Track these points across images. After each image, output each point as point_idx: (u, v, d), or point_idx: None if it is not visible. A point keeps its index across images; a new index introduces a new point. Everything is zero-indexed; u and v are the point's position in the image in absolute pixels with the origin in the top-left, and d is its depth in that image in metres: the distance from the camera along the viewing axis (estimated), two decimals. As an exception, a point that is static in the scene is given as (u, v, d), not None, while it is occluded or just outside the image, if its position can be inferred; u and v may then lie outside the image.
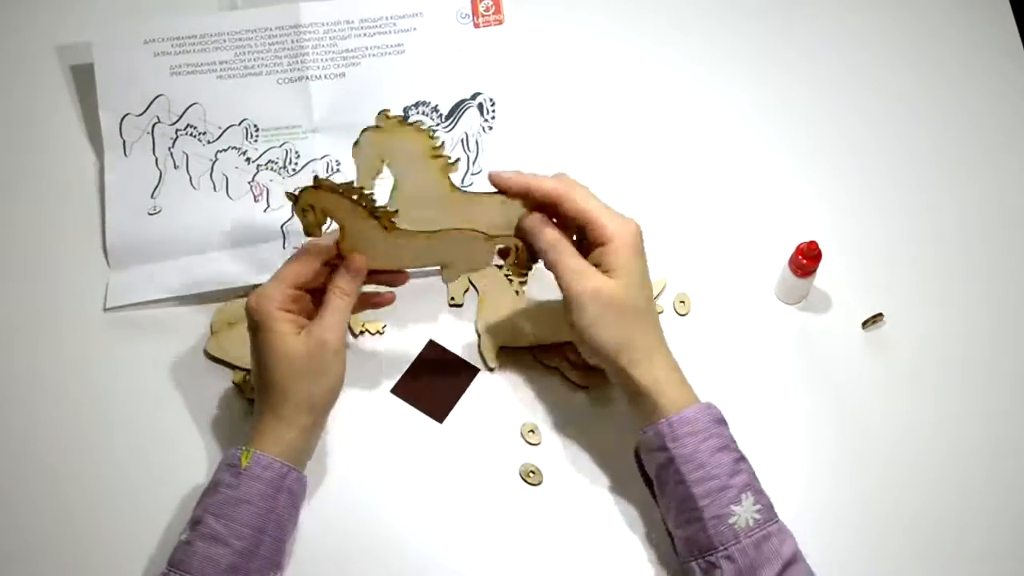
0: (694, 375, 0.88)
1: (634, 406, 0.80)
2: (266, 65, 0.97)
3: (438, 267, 0.85)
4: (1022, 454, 0.87)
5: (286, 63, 0.97)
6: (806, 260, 0.88)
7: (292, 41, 0.97)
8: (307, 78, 0.96)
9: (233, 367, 0.89)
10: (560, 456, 0.87)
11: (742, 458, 0.77)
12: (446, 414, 0.88)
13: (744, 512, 0.74)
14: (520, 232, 0.82)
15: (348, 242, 0.81)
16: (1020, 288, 0.93)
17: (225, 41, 0.96)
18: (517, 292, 0.92)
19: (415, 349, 0.91)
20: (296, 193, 0.79)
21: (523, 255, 0.83)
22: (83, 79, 0.99)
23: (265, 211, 0.94)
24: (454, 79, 0.97)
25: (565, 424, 0.88)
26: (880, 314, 0.91)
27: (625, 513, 0.85)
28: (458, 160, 0.83)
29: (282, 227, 0.94)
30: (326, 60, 0.97)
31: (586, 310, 0.78)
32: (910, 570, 0.84)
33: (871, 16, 1.03)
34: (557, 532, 0.84)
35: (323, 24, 0.97)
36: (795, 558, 0.74)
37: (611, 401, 0.88)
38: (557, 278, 0.80)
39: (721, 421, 0.78)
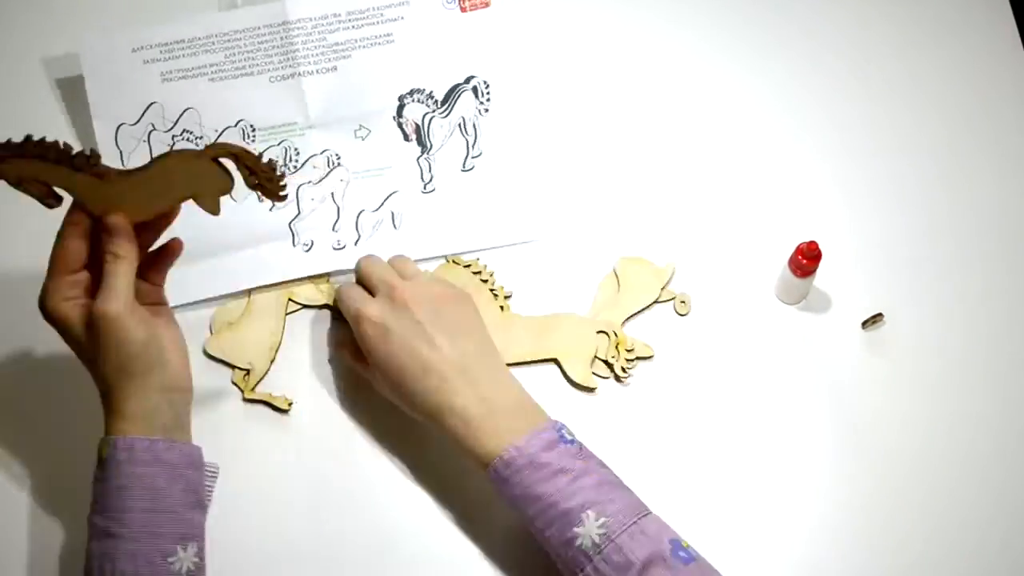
0: (694, 375, 0.90)
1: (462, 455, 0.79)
2: (257, 64, 0.96)
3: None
4: (1022, 454, 0.88)
5: (277, 61, 0.96)
6: (806, 260, 0.87)
7: (281, 38, 0.96)
8: (299, 74, 0.96)
9: (233, 367, 0.90)
10: None
11: (579, 475, 0.75)
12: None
13: (587, 531, 0.73)
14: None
15: (90, 204, 0.78)
16: (1020, 288, 0.93)
17: (214, 43, 0.96)
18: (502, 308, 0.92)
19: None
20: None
21: (252, 159, 0.79)
22: (73, 91, 0.97)
23: (271, 210, 0.94)
24: (446, 64, 0.97)
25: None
26: (880, 314, 0.91)
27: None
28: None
29: (290, 225, 0.94)
30: (317, 55, 0.97)
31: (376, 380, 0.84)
32: (910, 570, 0.84)
33: (870, 16, 1.03)
34: None
35: (311, 19, 0.97)
36: (652, 559, 0.72)
37: (611, 401, 0.89)
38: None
39: (551, 445, 0.76)
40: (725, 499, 0.86)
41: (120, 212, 0.78)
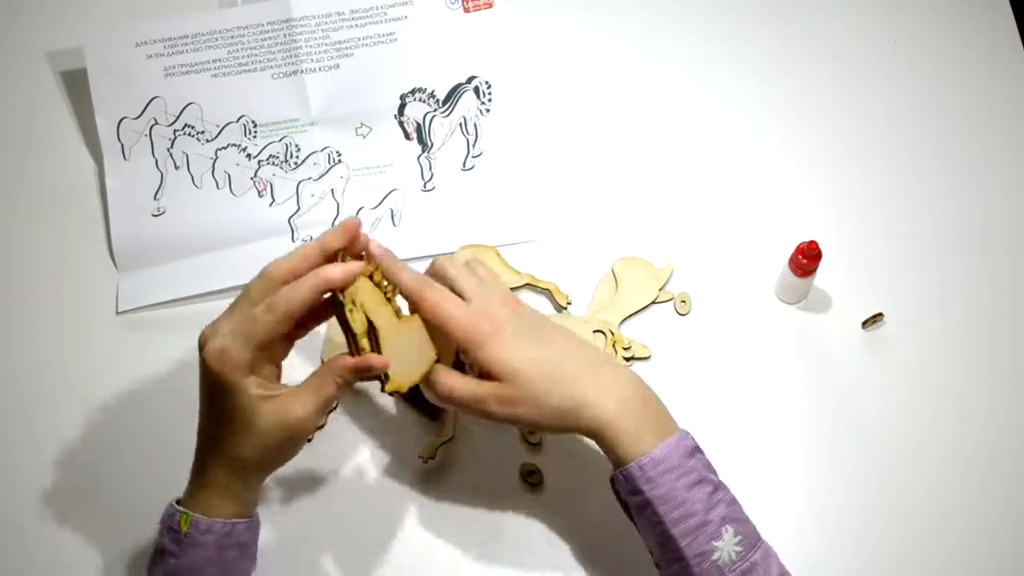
0: (694, 375, 0.89)
1: (601, 448, 0.76)
2: (260, 61, 0.97)
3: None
4: (1022, 454, 0.88)
5: (280, 58, 0.97)
6: (806, 260, 0.87)
7: (284, 35, 0.97)
8: (302, 71, 0.97)
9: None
10: (560, 456, 0.87)
11: (717, 488, 0.74)
12: (440, 410, 0.87)
13: (725, 547, 0.72)
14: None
15: (385, 351, 0.72)
16: (1020, 288, 0.93)
17: (217, 39, 0.97)
18: None
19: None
20: (340, 297, 0.71)
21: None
22: (76, 84, 0.98)
23: (271, 205, 0.94)
24: (448, 64, 0.98)
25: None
26: (880, 314, 0.91)
27: (624, 513, 0.85)
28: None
29: (289, 220, 0.94)
30: (319, 52, 0.97)
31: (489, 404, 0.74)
32: (909, 570, 0.84)
33: (870, 16, 1.03)
34: (557, 533, 0.85)
35: (314, 17, 0.97)
36: None
37: None
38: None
39: (693, 452, 0.75)
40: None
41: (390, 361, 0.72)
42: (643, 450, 0.73)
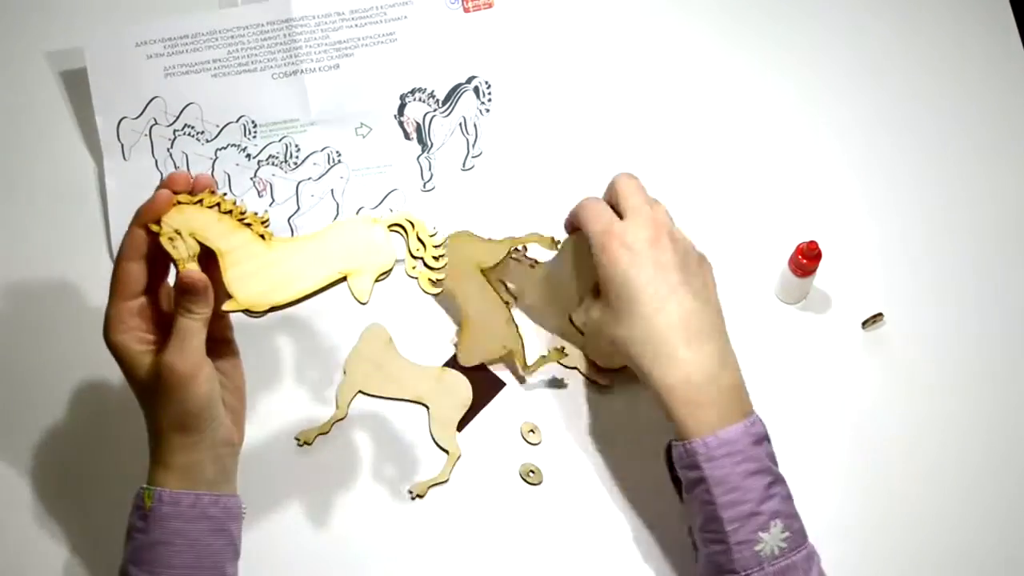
0: None
1: (663, 410, 0.76)
2: (260, 61, 0.97)
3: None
4: (1022, 454, 0.88)
5: (280, 58, 0.97)
6: (806, 260, 0.87)
7: (284, 35, 0.97)
8: (302, 71, 0.97)
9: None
10: (560, 456, 0.87)
11: (776, 481, 0.75)
12: (464, 424, 0.88)
13: (771, 540, 0.73)
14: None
15: (229, 272, 0.74)
16: (1020, 288, 0.93)
17: (217, 39, 0.96)
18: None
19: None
20: (158, 224, 0.74)
21: (426, 233, 0.77)
22: (76, 84, 0.98)
23: (271, 206, 0.94)
24: (448, 64, 0.98)
25: (565, 424, 0.88)
26: (880, 314, 0.91)
27: (625, 513, 0.85)
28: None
29: (289, 220, 0.94)
30: (319, 52, 0.97)
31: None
32: (908, 570, 0.84)
33: (870, 16, 1.03)
34: (557, 532, 0.85)
35: (314, 17, 0.97)
36: None
37: (612, 400, 0.89)
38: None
39: (760, 440, 0.75)
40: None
41: (252, 287, 0.74)
42: (712, 428, 0.74)
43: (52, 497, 0.87)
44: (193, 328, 0.73)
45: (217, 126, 0.96)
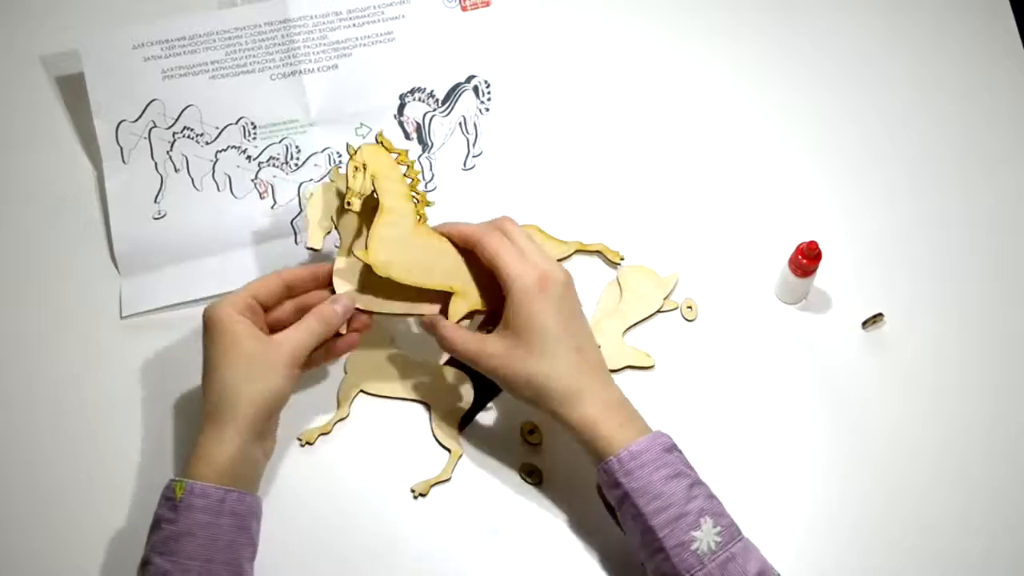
0: (696, 376, 0.90)
1: (581, 446, 0.80)
2: (258, 62, 0.96)
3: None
4: (1021, 454, 0.88)
5: (278, 58, 0.96)
6: (806, 260, 0.88)
7: (282, 36, 0.97)
8: (300, 72, 0.96)
9: None
10: (560, 456, 0.87)
11: (696, 483, 0.77)
12: (465, 424, 0.89)
13: (705, 536, 0.74)
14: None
15: (377, 228, 0.81)
16: (1020, 288, 0.94)
17: (215, 41, 0.96)
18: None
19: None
20: (355, 147, 0.81)
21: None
22: (73, 88, 0.97)
23: (272, 207, 0.94)
24: (447, 63, 0.98)
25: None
26: (880, 314, 0.91)
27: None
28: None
29: (292, 222, 0.94)
30: (318, 53, 0.97)
31: (497, 376, 0.81)
32: (908, 568, 0.85)
33: (871, 17, 1.03)
34: (557, 532, 0.85)
35: (312, 17, 0.97)
36: (762, 573, 0.75)
37: None
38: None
39: (671, 449, 0.78)
40: (723, 497, 0.87)
41: (394, 268, 0.81)
42: (619, 445, 0.77)
43: (53, 497, 0.86)
44: (316, 331, 0.81)
45: (217, 128, 0.96)
